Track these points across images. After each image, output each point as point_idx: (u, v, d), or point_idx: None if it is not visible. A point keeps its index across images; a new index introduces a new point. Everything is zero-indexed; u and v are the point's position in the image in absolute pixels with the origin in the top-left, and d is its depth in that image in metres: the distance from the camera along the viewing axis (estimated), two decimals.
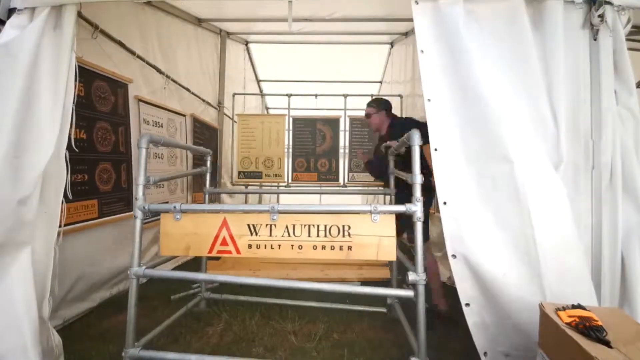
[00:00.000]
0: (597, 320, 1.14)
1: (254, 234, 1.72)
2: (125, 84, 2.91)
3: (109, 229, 2.72)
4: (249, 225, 1.72)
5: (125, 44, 2.85)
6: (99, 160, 2.62)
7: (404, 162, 2.11)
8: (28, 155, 1.57)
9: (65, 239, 2.17)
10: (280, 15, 3.89)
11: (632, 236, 1.58)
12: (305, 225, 1.70)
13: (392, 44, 5.23)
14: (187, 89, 3.97)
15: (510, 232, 1.55)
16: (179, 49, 3.85)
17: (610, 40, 1.63)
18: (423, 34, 1.66)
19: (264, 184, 4.64)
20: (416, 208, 1.61)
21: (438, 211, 1.70)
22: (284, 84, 5.49)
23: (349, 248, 1.68)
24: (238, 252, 1.72)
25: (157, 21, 3.44)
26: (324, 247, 1.69)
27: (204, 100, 4.48)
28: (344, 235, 1.68)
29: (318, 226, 1.70)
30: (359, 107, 5.72)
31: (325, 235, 1.69)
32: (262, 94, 6.44)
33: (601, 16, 1.60)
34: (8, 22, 1.62)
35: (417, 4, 1.66)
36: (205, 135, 4.50)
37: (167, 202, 3.43)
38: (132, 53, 2.96)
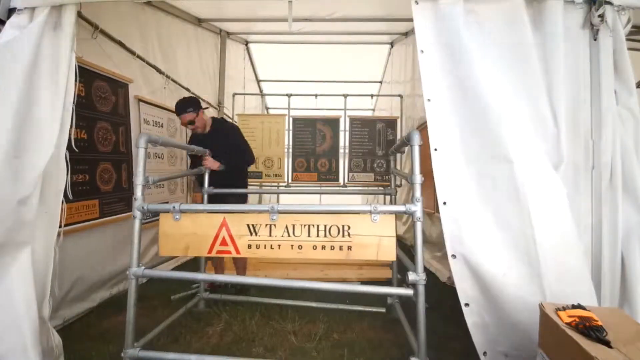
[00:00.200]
0: (597, 320, 1.14)
1: (254, 234, 1.72)
2: (126, 84, 2.91)
3: (110, 229, 2.72)
4: (248, 225, 1.72)
5: (125, 44, 2.86)
6: (99, 160, 2.62)
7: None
8: (28, 155, 1.58)
9: (67, 239, 2.17)
10: (280, 15, 3.89)
11: (632, 236, 1.58)
12: (305, 225, 1.70)
13: (392, 44, 5.23)
14: (187, 89, 3.97)
15: (510, 232, 1.55)
16: (179, 49, 3.85)
17: (610, 40, 1.63)
18: (423, 34, 1.66)
19: (264, 184, 4.64)
20: (416, 208, 1.61)
21: (438, 211, 1.70)
22: (284, 84, 5.48)
23: (349, 248, 1.67)
24: (238, 252, 1.72)
25: (157, 21, 3.44)
26: (323, 247, 1.68)
27: (204, 100, 4.48)
28: (343, 235, 1.68)
29: (318, 226, 1.69)
30: (359, 107, 5.75)
31: (325, 235, 1.69)
32: (262, 94, 6.44)
33: (601, 16, 1.60)
34: (8, 22, 1.62)
35: (417, 3, 1.66)
36: None
37: (167, 202, 3.43)
38: (132, 53, 2.96)
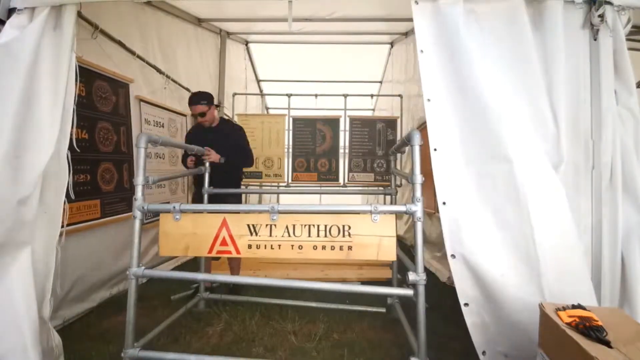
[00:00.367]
0: (597, 320, 1.14)
1: (254, 234, 1.72)
2: (126, 83, 2.91)
3: (111, 229, 2.73)
4: (248, 225, 1.72)
5: (125, 44, 2.86)
6: (101, 160, 2.62)
7: None
8: (28, 155, 1.58)
9: (68, 239, 2.16)
10: (280, 15, 3.90)
11: (632, 236, 1.58)
12: (305, 225, 1.70)
13: (392, 44, 5.23)
14: (187, 89, 3.97)
15: (510, 232, 1.54)
16: (179, 49, 3.85)
17: (610, 40, 1.63)
18: (423, 34, 1.66)
19: (264, 184, 4.64)
20: (416, 208, 1.61)
21: (438, 211, 1.70)
22: (284, 84, 5.48)
23: (349, 248, 1.67)
24: (238, 252, 1.72)
25: (157, 21, 3.44)
26: (324, 247, 1.68)
27: None
28: (344, 235, 1.68)
29: (318, 226, 1.69)
30: (359, 107, 5.75)
31: (326, 235, 1.69)
32: (262, 94, 6.44)
33: (601, 16, 1.60)
34: (8, 22, 1.62)
35: (417, 3, 1.66)
36: None
37: (168, 202, 3.43)
38: (132, 53, 2.96)
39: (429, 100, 1.64)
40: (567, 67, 1.63)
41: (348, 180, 4.54)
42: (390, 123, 4.62)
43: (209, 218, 1.76)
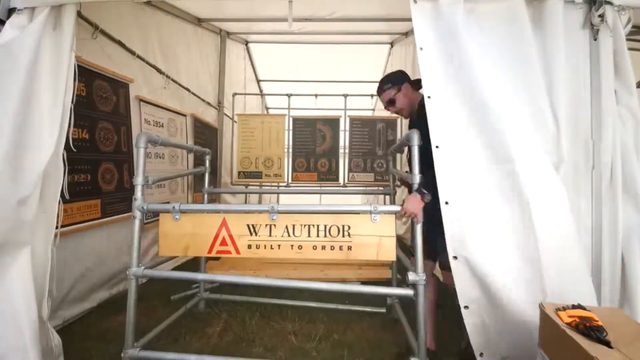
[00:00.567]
0: (597, 321, 1.14)
1: (254, 234, 1.72)
2: (127, 83, 2.91)
3: (112, 229, 2.72)
4: (248, 225, 1.72)
5: (125, 44, 2.86)
6: (101, 160, 2.62)
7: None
8: (28, 155, 1.57)
9: (68, 239, 2.17)
10: (280, 15, 3.89)
11: (632, 236, 1.58)
12: (305, 226, 1.70)
13: (392, 44, 5.22)
14: (187, 89, 3.97)
15: (511, 233, 1.54)
16: (179, 49, 3.85)
17: (611, 40, 1.63)
18: (422, 33, 1.65)
19: (264, 184, 4.64)
20: None
21: None
22: (284, 84, 5.48)
23: (349, 248, 1.67)
24: (238, 252, 1.72)
25: (157, 21, 3.44)
26: (323, 247, 1.68)
27: (204, 100, 4.48)
28: (343, 236, 1.68)
29: (318, 226, 1.70)
30: (359, 107, 5.74)
31: (325, 236, 1.69)
32: (262, 94, 6.43)
33: (601, 16, 1.60)
34: (8, 22, 1.62)
35: (415, 2, 1.65)
36: (206, 135, 4.50)
37: (168, 202, 3.43)
38: (132, 53, 2.96)
39: (429, 97, 1.62)
40: (567, 67, 1.62)
41: (348, 180, 4.53)
42: (390, 123, 4.61)
43: (208, 218, 1.76)
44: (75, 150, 2.18)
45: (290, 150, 4.61)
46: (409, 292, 1.63)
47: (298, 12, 3.79)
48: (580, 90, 1.65)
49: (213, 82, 4.80)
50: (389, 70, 5.73)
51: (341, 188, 4.54)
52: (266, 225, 1.71)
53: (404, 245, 4.23)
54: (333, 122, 4.61)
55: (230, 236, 1.72)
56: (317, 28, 4.35)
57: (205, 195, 2.62)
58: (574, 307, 1.25)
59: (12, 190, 1.51)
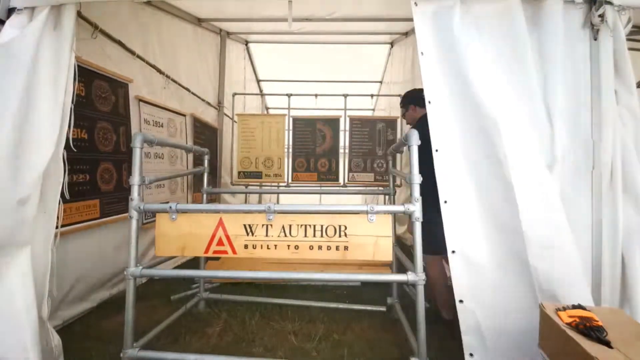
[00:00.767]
0: (597, 321, 1.14)
1: (250, 234, 1.71)
2: (126, 83, 2.91)
3: (111, 229, 2.72)
4: (245, 225, 1.72)
5: (125, 44, 2.86)
6: (100, 160, 2.62)
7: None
8: (28, 155, 1.57)
9: (67, 239, 2.17)
10: (280, 15, 3.89)
11: (632, 236, 1.58)
12: (301, 226, 1.70)
13: (392, 44, 5.22)
14: (187, 89, 3.97)
15: (507, 232, 1.55)
16: (179, 49, 3.85)
17: (611, 40, 1.63)
18: (423, 36, 1.66)
19: (263, 184, 4.64)
20: (414, 208, 1.61)
21: None
22: (284, 84, 5.48)
23: (346, 248, 1.67)
24: (234, 252, 1.71)
25: (157, 21, 3.44)
26: (320, 248, 1.68)
27: (204, 100, 4.48)
28: (340, 236, 1.68)
29: (314, 226, 1.69)
30: (359, 107, 5.75)
31: (322, 236, 1.69)
32: (262, 94, 6.44)
33: (601, 16, 1.60)
34: (8, 22, 1.62)
35: (417, 5, 1.66)
36: (206, 135, 4.50)
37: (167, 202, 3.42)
38: (132, 53, 2.96)
39: (429, 102, 1.65)
40: (567, 67, 1.63)
41: (348, 180, 4.53)
42: (390, 123, 4.61)
43: (205, 218, 1.76)
44: (75, 150, 2.18)
45: (290, 150, 4.61)
46: (403, 277, 1.63)
47: (298, 12, 3.79)
48: (580, 90, 1.65)
49: (213, 82, 4.80)
50: (389, 70, 5.74)
51: (341, 188, 4.54)
52: (262, 225, 1.71)
53: (404, 245, 4.23)
54: (333, 122, 4.61)
55: (227, 236, 1.72)
56: (317, 28, 4.35)
57: (204, 195, 2.62)
58: (574, 307, 1.25)
59: (12, 190, 1.51)
